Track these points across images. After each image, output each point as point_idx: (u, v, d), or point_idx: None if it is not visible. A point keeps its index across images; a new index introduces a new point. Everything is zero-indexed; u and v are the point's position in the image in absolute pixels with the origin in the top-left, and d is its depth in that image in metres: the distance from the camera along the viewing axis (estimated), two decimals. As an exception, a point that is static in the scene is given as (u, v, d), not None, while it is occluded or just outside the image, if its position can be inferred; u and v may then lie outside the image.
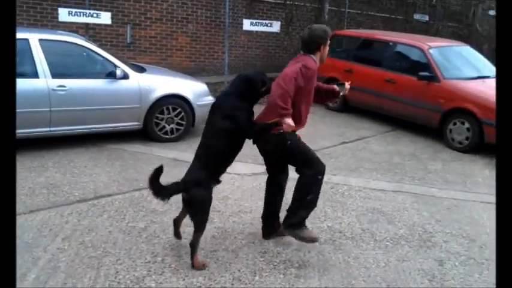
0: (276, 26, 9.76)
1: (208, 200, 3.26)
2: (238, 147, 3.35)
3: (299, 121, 3.30)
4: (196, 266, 3.23)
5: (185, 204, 3.37)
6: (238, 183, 4.98)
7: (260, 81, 3.32)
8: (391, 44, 7.97)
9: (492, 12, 13.08)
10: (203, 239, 3.53)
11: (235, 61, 10.90)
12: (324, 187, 4.93)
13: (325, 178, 5.26)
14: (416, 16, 11.50)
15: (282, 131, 3.14)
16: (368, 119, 8.12)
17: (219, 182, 3.44)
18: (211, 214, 4.12)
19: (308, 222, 4.08)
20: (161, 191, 3.18)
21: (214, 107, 3.34)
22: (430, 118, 6.99)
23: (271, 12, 11.34)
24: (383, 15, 11.75)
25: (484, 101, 6.37)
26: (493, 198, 4.90)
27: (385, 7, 11.63)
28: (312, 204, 3.37)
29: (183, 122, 6.28)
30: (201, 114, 6.45)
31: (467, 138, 6.52)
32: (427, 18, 11.60)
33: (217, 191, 4.63)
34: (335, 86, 3.78)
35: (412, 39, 8.01)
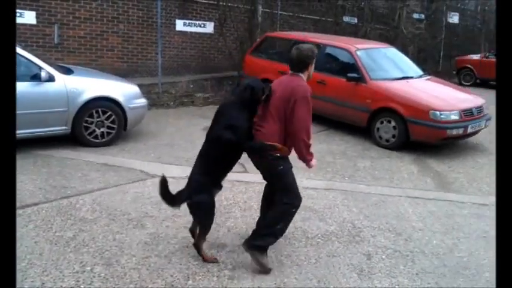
0: (209, 27, 9.75)
1: (211, 205, 3.37)
2: (237, 155, 3.41)
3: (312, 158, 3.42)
4: (207, 260, 3.41)
5: (190, 210, 3.46)
6: (173, 187, 4.85)
7: (261, 89, 3.33)
8: (321, 46, 8.17)
9: (416, 16, 13.85)
10: (134, 246, 3.48)
11: (169, 62, 10.76)
12: (259, 187, 5.02)
13: (260, 179, 5.39)
14: (346, 19, 11.92)
15: (278, 155, 3.24)
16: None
17: (220, 187, 3.54)
18: (143, 220, 4.08)
19: (242, 223, 4.15)
20: (175, 201, 3.42)
21: (218, 114, 3.40)
22: (359, 118, 7.27)
23: (204, 13, 11.30)
24: (314, 17, 12.06)
25: (407, 101, 6.72)
26: (418, 193, 5.21)
27: (316, 10, 11.95)
28: (281, 233, 3.45)
29: (114, 126, 6.10)
30: (133, 117, 6.32)
31: (393, 136, 6.84)
32: (356, 20, 12.06)
33: (150, 196, 4.59)
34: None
35: (341, 41, 8.29)
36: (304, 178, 5.49)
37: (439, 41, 14.68)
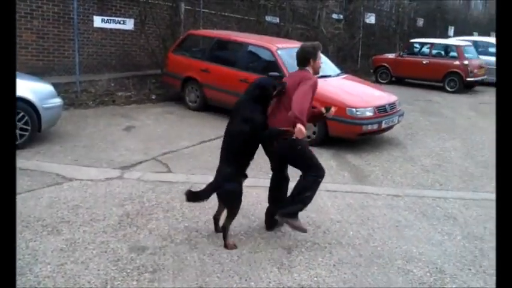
0: (129, 24, 9.48)
1: (240, 193, 3.73)
2: (256, 145, 3.78)
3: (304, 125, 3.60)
4: (228, 247, 3.71)
5: (220, 198, 3.81)
6: (91, 190, 4.74)
7: (272, 86, 3.73)
8: (243, 44, 8.27)
9: (335, 16, 14.39)
10: (49, 253, 3.33)
11: (88, 60, 10.31)
12: (183, 187, 4.99)
13: (184, 178, 5.36)
14: (268, 18, 12.11)
15: (294, 137, 3.50)
16: (227, 117, 8.26)
17: (246, 176, 3.90)
18: (59, 226, 3.91)
19: (165, 224, 4.10)
20: (200, 196, 3.78)
21: (234, 111, 3.80)
22: (282, 115, 7.42)
23: (125, 9, 10.95)
24: (237, 16, 12.14)
25: (326, 98, 6.89)
26: (336, 187, 5.42)
27: (238, 8, 12.02)
28: (309, 200, 3.85)
29: (28, 127, 5.76)
30: (48, 118, 6.01)
31: (314, 133, 7.05)
32: (277, 20, 12.28)
33: (67, 201, 4.40)
34: (322, 109, 4.17)
35: (262, 40, 8.42)
36: (228, 176, 5.55)
37: (357, 40, 15.36)
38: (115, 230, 3.92)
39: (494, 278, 3.62)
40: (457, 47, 13.38)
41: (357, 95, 7.37)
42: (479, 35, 21.33)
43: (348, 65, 14.91)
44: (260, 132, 3.65)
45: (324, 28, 13.19)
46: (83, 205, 4.36)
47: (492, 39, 16.96)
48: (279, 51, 7.66)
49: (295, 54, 8.24)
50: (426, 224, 4.53)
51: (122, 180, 5.10)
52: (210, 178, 5.31)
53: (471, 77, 12.98)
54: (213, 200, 4.69)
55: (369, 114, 6.88)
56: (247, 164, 3.85)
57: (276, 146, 3.76)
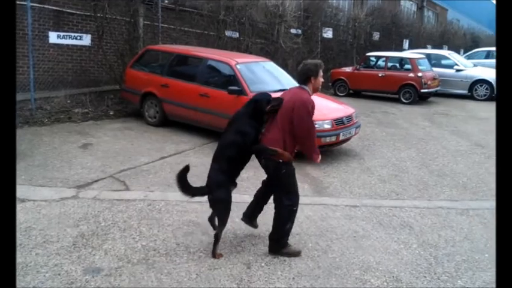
0: (86, 39, 9.33)
1: (229, 200, 3.90)
2: (248, 156, 3.97)
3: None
4: (215, 256, 3.85)
5: (211, 205, 3.98)
6: (45, 211, 4.59)
7: (266, 101, 3.89)
8: (202, 59, 8.28)
9: (294, 31, 14.62)
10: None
11: (43, 76, 10.03)
12: (141, 205, 4.92)
13: (142, 196, 5.27)
14: (228, 33, 12.18)
15: (281, 160, 3.74)
16: (187, 132, 8.28)
17: (235, 184, 4.07)
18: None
19: (121, 243, 4.01)
20: (189, 190, 3.92)
21: (231, 122, 3.98)
22: (242, 129, 7.45)
23: (81, 25, 10.77)
24: (196, 31, 12.14)
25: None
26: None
27: (198, 23, 12.03)
28: (290, 229, 4.01)
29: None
30: (-1, 137, 5.79)
31: (274, 146, 7.12)
32: (237, 35, 12.38)
33: (19, 223, 4.25)
34: None
35: (222, 55, 8.46)
36: (187, 192, 5.50)
37: (316, 54, 15.64)
38: (69, 251, 3.81)
39: (448, 284, 3.74)
40: (411, 59, 13.85)
41: (316, 108, 7.46)
42: (433, 47, 22.22)
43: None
44: (249, 145, 3.84)
45: (283, 42, 13.37)
46: (36, 227, 4.22)
47: (445, 52, 17.70)
48: (238, 66, 7.72)
49: (255, 68, 8.48)
50: (383, 234, 4.63)
51: (77, 199, 4.97)
52: (169, 194, 5.33)
53: (425, 89, 13.44)
54: (173, 217, 4.67)
55: (327, 126, 7.01)
56: (237, 173, 4.05)
57: (262, 162, 3.91)
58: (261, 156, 3.87)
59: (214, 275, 3.61)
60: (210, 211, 4.85)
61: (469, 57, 20.41)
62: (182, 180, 3.89)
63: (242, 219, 4.32)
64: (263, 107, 3.87)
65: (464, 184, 6.40)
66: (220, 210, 3.93)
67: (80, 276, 3.41)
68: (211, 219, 4.15)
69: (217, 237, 3.89)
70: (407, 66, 13.88)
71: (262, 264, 3.84)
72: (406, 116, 11.58)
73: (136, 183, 5.62)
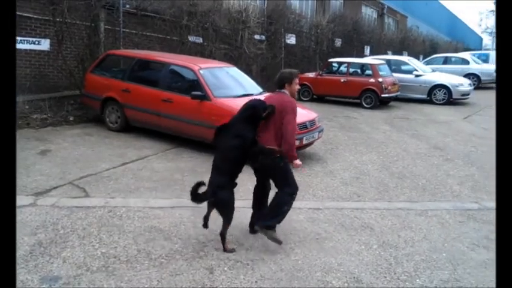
0: (45, 44, 9.10)
1: (232, 200, 4.16)
2: (245, 157, 4.22)
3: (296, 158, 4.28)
4: (227, 250, 4.14)
5: (213, 205, 4.19)
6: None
7: (262, 108, 4.18)
8: (165, 64, 8.21)
9: (257, 37, 14.72)
10: None
11: None
12: (101, 212, 4.82)
13: (102, 202, 5.17)
14: (191, 38, 12.13)
15: (278, 155, 4.15)
16: (149, 138, 8.17)
17: (236, 184, 4.28)
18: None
19: (80, 251, 3.91)
20: (198, 198, 4.18)
21: (230, 126, 4.23)
22: (207, 134, 7.37)
23: (40, 29, 10.47)
24: (159, 35, 12.03)
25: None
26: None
27: (160, 28, 11.92)
28: (286, 213, 4.32)
29: None
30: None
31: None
32: (201, 40, 12.34)
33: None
34: None
35: (185, 60, 8.41)
36: (151, 198, 5.44)
37: (280, 60, 15.80)
38: (26, 260, 3.69)
39: (408, 283, 3.83)
40: (372, 65, 14.18)
41: (279, 112, 7.55)
42: (393, 54, 22.84)
43: (271, 84, 15.24)
44: (250, 147, 4.13)
45: (247, 48, 13.44)
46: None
47: (404, 58, 18.22)
48: (201, 71, 7.69)
49: (218, 73, 8.46)
50: (345, 235, 4.70)
51: (35, 207, 4.82)
52: (130, 200, 5.25)
53: (386, 94, 13.77)
54: (134, 224, 4.59)
55: (290, 131, 7.06)
56: (237, 174, 4.29)
57: (259, 162, 4.25)
58: (259, 156, 4.20)
59: (176, 281, 3.57)
60: (172, 217, 4.88)
61: (427, 63, 21.11)
62: (195, 193, 4.16)
63: (250, 232, 4.59)
64: (260, 113, 4.17)
65: (423, 186, 6.59)
66: (224, 210, 4.16)
67: (37, 286, 3.30)
68: (206, 218, 4.35)
69: (223, 236, 4.15)
70: (368, 72, 14.19)
71: (225, 269, 3.83)
72: (367, 120, 11.83)
73: (96, 189, 5.50)
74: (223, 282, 3.60)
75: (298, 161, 4.26)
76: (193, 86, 7.57)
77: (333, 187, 6.28)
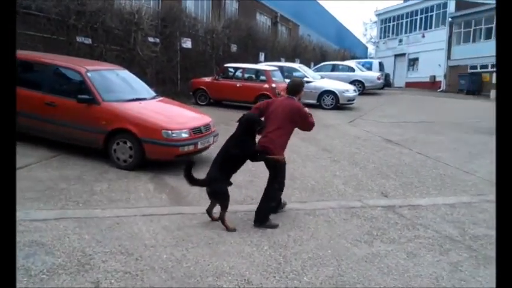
0: None
1: (225, 189, 4.94)
2: (241, 163, 5.11)
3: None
4: (229, 229, 4.91)
5: (210, 196, 5.04)
6: None
7: (258, 121, 5.04)
8: (49, 66, 7.69)
9: (151, 39, 14.40)
10: None
11: None
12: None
13: None
14: (79, 38, 11.50)
15: (276, 157, 5.07)
16: (31, 144, 7.58)
17: (230, 183, 5.09)
18: None
19: None
20: (194, 181, 4.95)
21: (232, 137, 5.10)
22: (95, 140, 7.09)
23: None
24: (44, 35, 11.22)
25: (141, 121, 6.90)
26: (152, 210, 5.36)
27: (45, 28, 11.13)
28: (273, 207, 5.40)
29: None
30: None
31: (130, 157, 6.91)
32: (90, 41, 11.76)
33: None
34: None
35: (71, 62, 7.95)
36: (32, 210, 5.05)
37: (175, 63, 15.62)
38: None
39: (295, 281, 3.98)
40: (266, 71, 14.62)
41: (172, 117, 7.48)
42: (286, 60, 23.79)
43: (168, 87, 15.02)
44: (253, 156, 5.11)
45: (140, 50, 13.09)
46: None
47: (295, 65, 19.07)
48: (89, 74, 7.33)
49: (108, 76, 8.12)
50: (238, 238, 4.77)
51: None
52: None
53: (279, 99, 14.27)
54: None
55: (184, 135, 7.02)
56: (231, 175, 5.08)
57: (265, 162, 5.16)
58: (264, 157, 5.09)
59: (58, 297, 3.35)
60: (56, 229, 4.58)
61: (317, 70, 22.32)
62: (190, 175, 4.86)
63: (273, 212, 5.42)
64: (255, 125, 4.99)
65: (312, 186, 6.92)
66: (219, 199, 4.94)
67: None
68: (209, 211, 5.13)
69: (222, 218, 4.92)
70: (263, 77, 14.61)
71: (112, 281, 3.67)
72: (262, 125, 12.11)
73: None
74: (109, 295, 3.45)
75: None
76: (81, 89, 7.19)
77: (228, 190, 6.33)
